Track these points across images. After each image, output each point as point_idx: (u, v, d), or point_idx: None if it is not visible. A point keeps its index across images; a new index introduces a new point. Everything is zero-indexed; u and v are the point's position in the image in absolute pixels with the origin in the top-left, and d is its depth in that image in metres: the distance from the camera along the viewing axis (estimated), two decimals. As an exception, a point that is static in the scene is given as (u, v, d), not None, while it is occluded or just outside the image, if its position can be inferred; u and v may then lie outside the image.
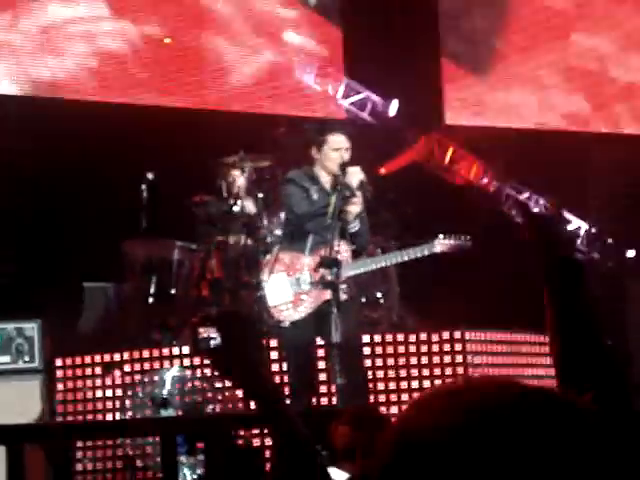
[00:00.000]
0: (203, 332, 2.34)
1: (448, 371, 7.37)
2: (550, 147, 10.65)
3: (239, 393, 7.10)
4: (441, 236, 6.39)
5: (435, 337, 7.45)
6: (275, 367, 6.96)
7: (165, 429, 5.81)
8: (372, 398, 7.03)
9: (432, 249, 6.37)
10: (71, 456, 6.68)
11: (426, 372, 7.38)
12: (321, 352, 6.64)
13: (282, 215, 6.72)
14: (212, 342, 2.33)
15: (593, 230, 11.24)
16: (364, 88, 10.80)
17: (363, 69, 10.57)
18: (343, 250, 6.22)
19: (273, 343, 6.93)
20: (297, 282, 6.32)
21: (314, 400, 6.60)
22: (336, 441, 4.21)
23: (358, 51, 10.48)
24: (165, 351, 7.58)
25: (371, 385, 7.06)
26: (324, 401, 6.97)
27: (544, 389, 1.14)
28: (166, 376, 6.85)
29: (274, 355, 6.99)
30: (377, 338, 7.45)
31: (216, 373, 6.35)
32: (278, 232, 7.34)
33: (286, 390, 6.39)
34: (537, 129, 11.26)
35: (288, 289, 6.34)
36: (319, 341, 6.49)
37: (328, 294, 6.08)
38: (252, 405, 7.00)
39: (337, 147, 6.28)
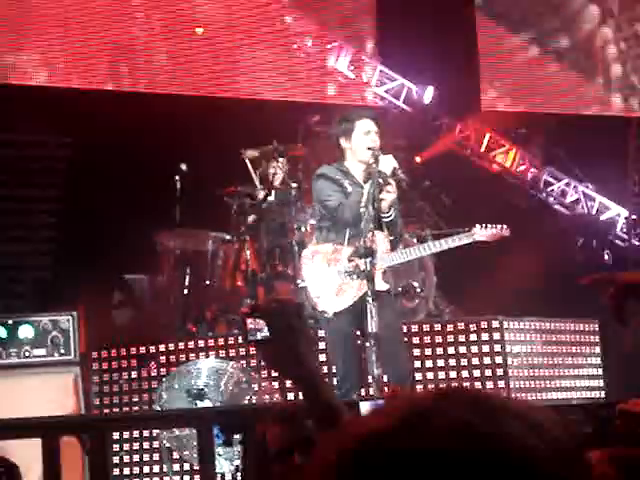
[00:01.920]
0: (252, 323, 2.32)
1: (487, 360, 7.27)
2: (589, 132, 10.50)
3: (276, 384, 7.06)
4: (478, 226, 6.31)
5: (473, 326, 7.35)
6: (321, 357, 6.89)
7: (201, 420, 5.76)
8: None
9: (471, 238, 6.29)
10: (108, 448, 6.65)
11: (464, 362, 7.29)
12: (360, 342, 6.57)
13: (316, 207, 6.65)
14: (260, 334, 2.32)
15: (633, 217, 11.09)
16: (399, 75, 10.70)
17: (397, 55, 10.47)
18: (380, 240, 6.13)
19: (321, 333, 6.87)
20: (338, 273, 6.26)
21: (363, 391, 6.53)
22: (270, 444, 3.90)
23: (392, 37, 10.38)
24: (201, 342, 7.54)
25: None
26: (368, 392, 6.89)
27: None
28: (202, 367, 6.81)
29: (321, 345, 6.92)
30: (414, 328, 7.37)
31: (264, 364, 6.30)
32: (312, 222, 7.28)
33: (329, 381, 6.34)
34: (576, 114, 11.11)
35: (330, 280, 6.28)
36: (359, 332, 6.42)
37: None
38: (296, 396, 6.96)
39: (366, 130, 6.21)
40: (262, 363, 6.84)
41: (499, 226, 6.38)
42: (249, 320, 2.33)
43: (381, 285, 6.14)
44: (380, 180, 6.04)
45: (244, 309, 2.46)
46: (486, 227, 6.32)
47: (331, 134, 6.51)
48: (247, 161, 8.36)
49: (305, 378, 2.33)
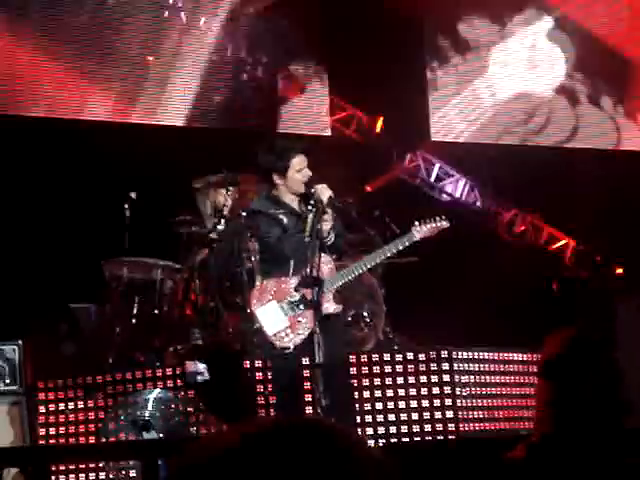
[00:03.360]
0: (191, 366, 2.31)
1: (435, 390, 7.28)
2: (537, 163, 10.61)
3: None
4: (417, 223, 6.27)
5: (422, 356, 7.35)
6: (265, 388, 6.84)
7: (147, 452, 5.70)
8: (358, 418, 6.93)
9: (412, 238, 6.24)
10: (52, 480, 6.57)
11: (413, 392, 7.28)
12: (307, 373, 6.53)
13: (257, 242, 6.60)
14: (200, 377, 2.31)
15: (581, 247, 11.18)
16: (349, 104, 10.74)
17: (348, 85, 10.52)
18: (325, 263, 6.12)
19: (258, 363, 6.82)
20: (289, 306, 6.20)
21: None
22: None
23: (343, 68, 10.44)
24: (148, 372, 7.47)
25: (357, 405, 6.96)
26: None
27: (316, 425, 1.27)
28: (148, 398, 6.74)
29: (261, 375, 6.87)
30: (363, 357, 7.36)
31: (203, 406, 6.21)
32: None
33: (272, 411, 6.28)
34: (522, 145, 11.22)
35: (282, 315, 6.21)
36: (306, 362, 6.38)
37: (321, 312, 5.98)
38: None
39: (300, 167, 6.18)
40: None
41: (437, 218, 6.32)
42: (189, 362, 2.31)
43: (333, 308, 6.12)
44: (320, 209, 6.03)
45: (183, 350, 2.45)
46: (424, 223, 6.26)
47: (260, 164, 6.36)
48: (196, 191, 8.34)
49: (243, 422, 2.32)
